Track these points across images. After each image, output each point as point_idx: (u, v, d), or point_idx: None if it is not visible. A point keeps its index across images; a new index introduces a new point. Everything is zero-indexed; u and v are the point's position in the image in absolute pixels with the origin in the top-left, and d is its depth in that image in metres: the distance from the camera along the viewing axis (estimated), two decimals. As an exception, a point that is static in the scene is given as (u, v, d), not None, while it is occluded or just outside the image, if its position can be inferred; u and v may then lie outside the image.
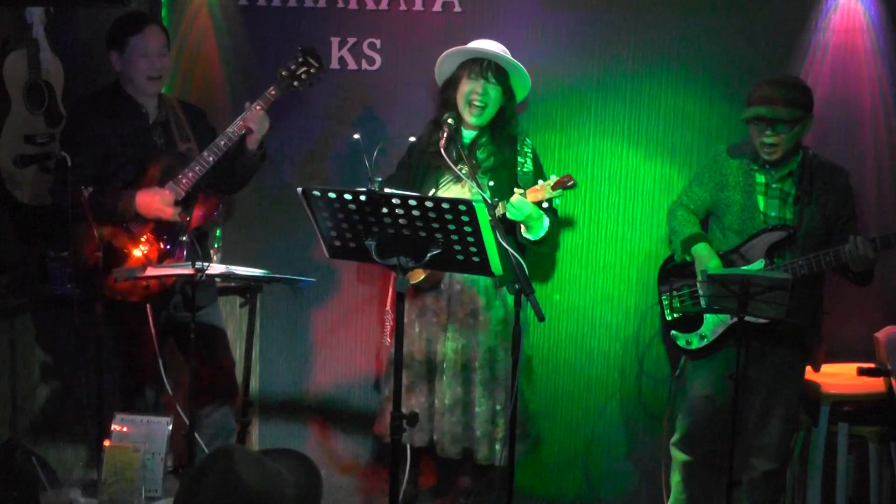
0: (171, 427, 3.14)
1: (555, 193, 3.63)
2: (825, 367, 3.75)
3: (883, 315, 3.87)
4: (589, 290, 4.18)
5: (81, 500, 2.84)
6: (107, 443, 2.98)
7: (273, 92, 3.68)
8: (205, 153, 3.60)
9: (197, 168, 3.59)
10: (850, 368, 3.75)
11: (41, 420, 3.93)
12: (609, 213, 4.14)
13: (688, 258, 3.68)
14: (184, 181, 3.57)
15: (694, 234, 3.69)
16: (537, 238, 3.72)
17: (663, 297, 3.76)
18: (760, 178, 3.57)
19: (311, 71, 3.75)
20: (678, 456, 3.78)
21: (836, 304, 3.80)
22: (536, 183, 3.65)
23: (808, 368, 3.70)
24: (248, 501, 1.86)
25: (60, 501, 2.76)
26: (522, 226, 3.70)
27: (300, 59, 3.74)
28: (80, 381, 3.40)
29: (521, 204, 3.60)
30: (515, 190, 3.64)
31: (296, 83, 3.73)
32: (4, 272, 3.86)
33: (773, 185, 3.56)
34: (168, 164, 3.63)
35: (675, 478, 3.82)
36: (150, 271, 3.43)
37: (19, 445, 3.03)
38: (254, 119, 3.62)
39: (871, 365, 3.70)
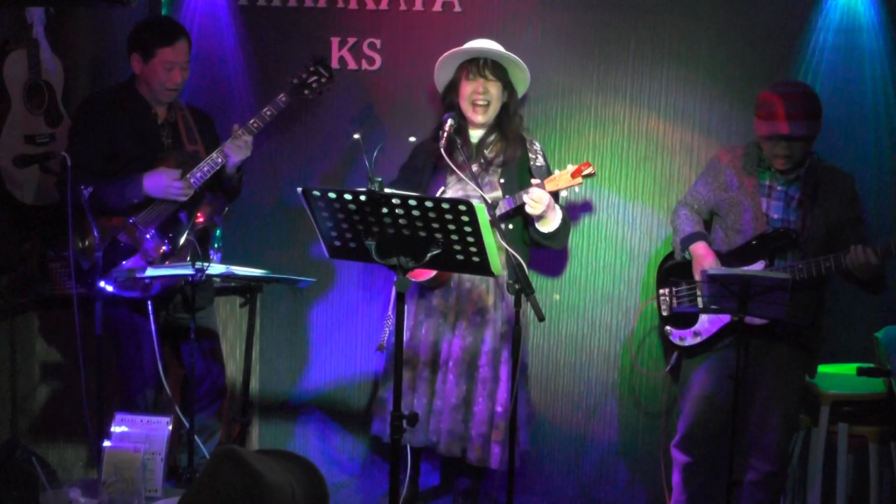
0: (171, 427, 3.13)
1: (574, 182, 3.63)
2: (825, 368, 3.76)
3: (883, 315, 3.86)
4: (589, 290, 4.18)
5: (81, 500, 2.83)
6: (107, 443, 2.97)
7: (283, 99, 3.73)
8: (214, 154, 3.65)
9: (206, 168, 3.62)
10: (850, 368, 3.75)
11: (41, 420, 3.93)
12: (609, 213, 4.14)
13: (687, 256, 3.68)
14: (191, 180, 3.61)
15: (694, 232, 3.69)
16: (550, 231, 3.72)
17: (661, 294, 3.77)
18: (765, 180, 3.57)
19: (322, 80, 3.80)
20: (678, 457, 3.78)
21: (836, 304, 3.80)
22: (553, 174, 3.67)
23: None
24: (268, 492, 1.85)
25: (60, 501, 2.76)
26: (535, 219, 3.70)
27: (311, 69, 3.76)
28: (80, 381, 3.39)
29: (539, 195, 3.60)
30: (533, 181, 3.65)
31: (306, 91, 3.78)
32: (4, 272, 3.86)
33: (779, 188, 3.55)
34: (177, 161, 3.66)
35: (676, 479, 3.82)
36: (151, 272, 3.44)
37: (19, 445, 3.02)
38: (233, 148, 3.65)
39: (872, 365, 3.70)
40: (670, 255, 3.83)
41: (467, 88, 3.77)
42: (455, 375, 3.76)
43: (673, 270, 3.75)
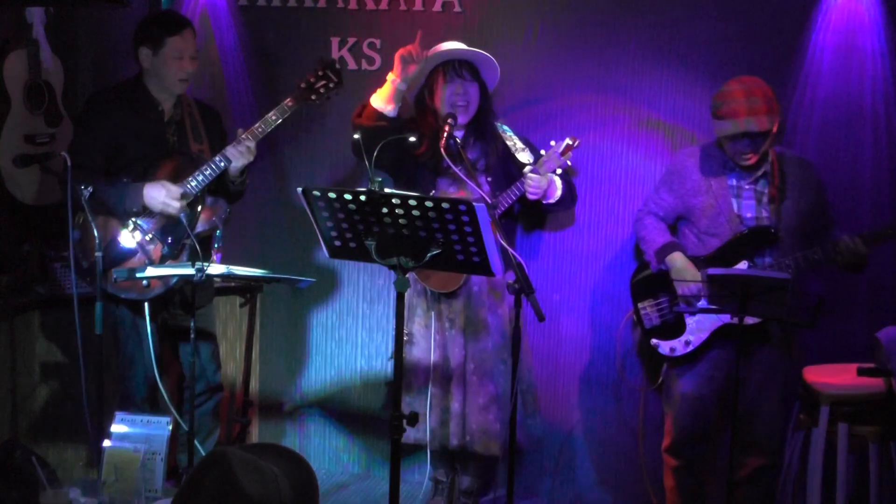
0: (171, 427, 3.14)
1: (564, 158, 3.68)
2: (825, 368, 3.76)
3: (883, 315, 3.87)
4: (589, 290, 4.18)
5: (81, 500, 2.84)
6: (107, 443, 2.98)
7: (290, 103, 3.68)
8: (217, 158, 3.62)
9: (208, 172, 3.60)
10: (850, 368, 3.75)
11: (41, 420, 3.93)
12: (609, 213, 4.14)
13: (664, 268, 3.66)
14: (193, 183, 3.59)
15: (668, 242, 3.68)
16: (556, 200, 3.77)
17: (641, 307, 3.76)
18: (732, 181, 3.58)
19: (331, 85, 3.73)
20: (669, 461, 3.80)
21: (835, 304, 3.80)
22: (541, 155, 3.70)
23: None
24: None
25: (60, 501, 2.76)
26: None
27: (320, 73, 3.72)
28: (80, 381, 3.40)
29: (536, 181, 3.64)
30: (525, 170, 3.66)
31: (314, 96, 3.72)
32: (4, 272, 3.86)
33: (747, 187, 3.56)
34: (180, 163, 3.65)
35: (669, 482, 3.83)
36: (151, 271, 3.44)
37: (19, 445, 3.03)
38: (236, 153, 3.62)
39: (871, 365, 3.70)
40: (642, 267, 3.82)
41: (445, 91, 3.76)
42: (481, 377, 3.76)
43: (650, 282, 3.74)
